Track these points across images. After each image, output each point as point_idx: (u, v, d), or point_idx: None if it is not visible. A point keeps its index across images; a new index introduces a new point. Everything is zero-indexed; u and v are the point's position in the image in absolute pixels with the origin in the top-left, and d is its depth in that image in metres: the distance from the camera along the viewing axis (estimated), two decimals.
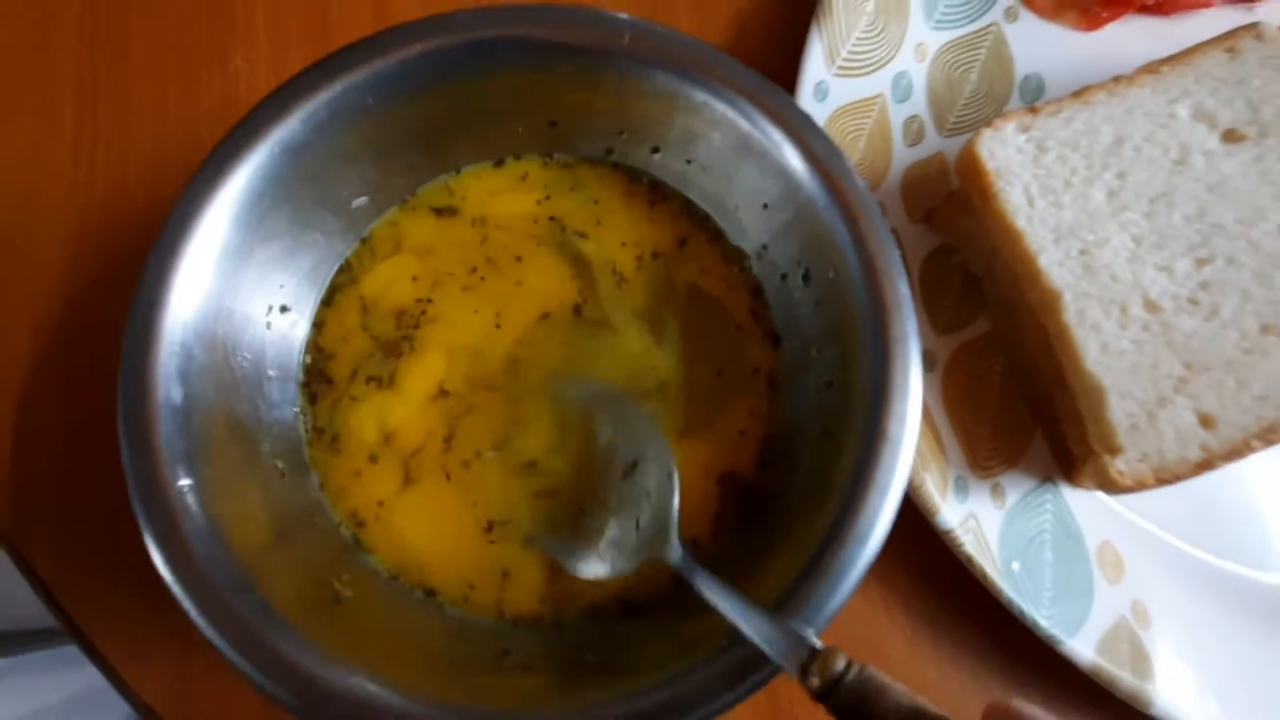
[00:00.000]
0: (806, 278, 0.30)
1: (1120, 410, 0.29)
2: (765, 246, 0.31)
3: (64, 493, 0.34)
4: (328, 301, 0.31)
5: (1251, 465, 0.33)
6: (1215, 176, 0.30)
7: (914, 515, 0.32)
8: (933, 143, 0.37)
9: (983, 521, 0.32)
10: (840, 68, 0.36)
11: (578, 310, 0.31)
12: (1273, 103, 0.30)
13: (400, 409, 0.30)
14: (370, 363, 0.31)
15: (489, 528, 0.30)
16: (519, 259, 0.32)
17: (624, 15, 0.28)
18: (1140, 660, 0.31)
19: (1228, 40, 0.31)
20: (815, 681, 0.22)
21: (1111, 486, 0.29)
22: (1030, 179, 0.31)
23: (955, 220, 0.34)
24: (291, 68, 0.37)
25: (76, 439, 0.34)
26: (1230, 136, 0.31)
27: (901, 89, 0.37)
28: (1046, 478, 0.34)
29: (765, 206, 0.30)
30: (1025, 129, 0.31)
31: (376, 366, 0.31)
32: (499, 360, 0.31)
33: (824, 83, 0.35)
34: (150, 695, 0.33)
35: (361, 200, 0.31)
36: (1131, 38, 0.38)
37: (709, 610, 0.27)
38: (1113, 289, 0.30)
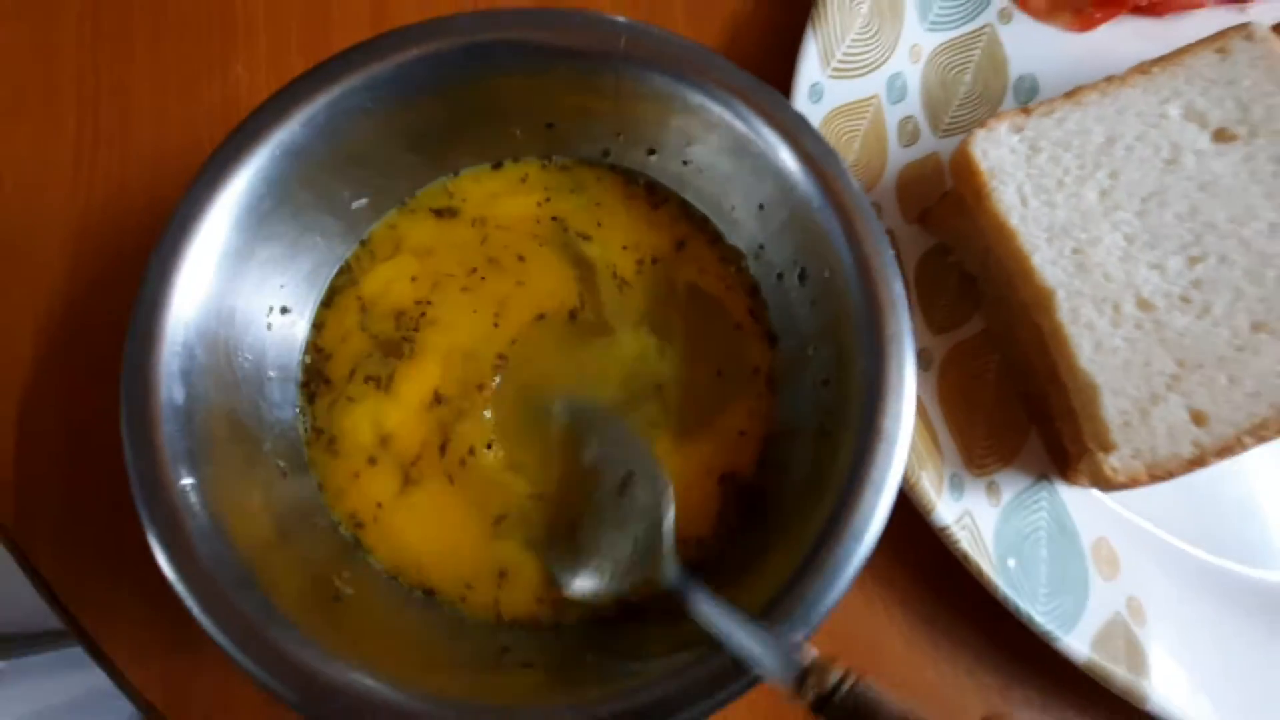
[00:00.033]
0: (802, 277, 0.30)
1: (1113, 407, 0.29)
2: (762, 247, 0.32)
3: (67, 493, 0.34)
4: (327, 303, 0.32)
5: (1246, 463, 0.34)
6: (1206, 175, 0.30)
7: (911, 513, 0.32)
8: (928, 143, 0.37)
9: (978, 519, 0.32)
10: (835, 69, 0.36)
11: (573, 315, 0.31)
12: (1263, 102, 0.31)
13: (396, 414, 0.31)
14: (369, 362, 0.31)
15: (497, 521, 0.30)
16: (522, 258, 0.32)
17: (621, 18, 0.29)
18: (1135, 656, 0.31)
19: (1218, 41, 0.31)
20: (811, 695, 0.22)
21: (1105, 483, 0.29)
22: (1023, 178, 0.31)
23: (950, 220, 0.34)
24: (291, 70, 0.38)
25: (79, 439, 0.35)
26: (1221, 136, 0.31)
27: (896, 90, 0.37)
28: (1042, 475, 0.34)
29: (761, 207, 0.30)
30: (1018, 129, 0.31)
31: (375, 366, 0.31)
32: (492, 358, 0.31)
33: (819, 84, 0.36)
34: (153, 694, 0.33)
35: (361, 202, 0.31)
36: (1124, 38, 0.39)
37: None
38: (1105, 287, 0.30)
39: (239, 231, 0.27)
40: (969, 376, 0.35)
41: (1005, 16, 0.39)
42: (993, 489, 0.33)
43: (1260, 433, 0.28)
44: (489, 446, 0.30)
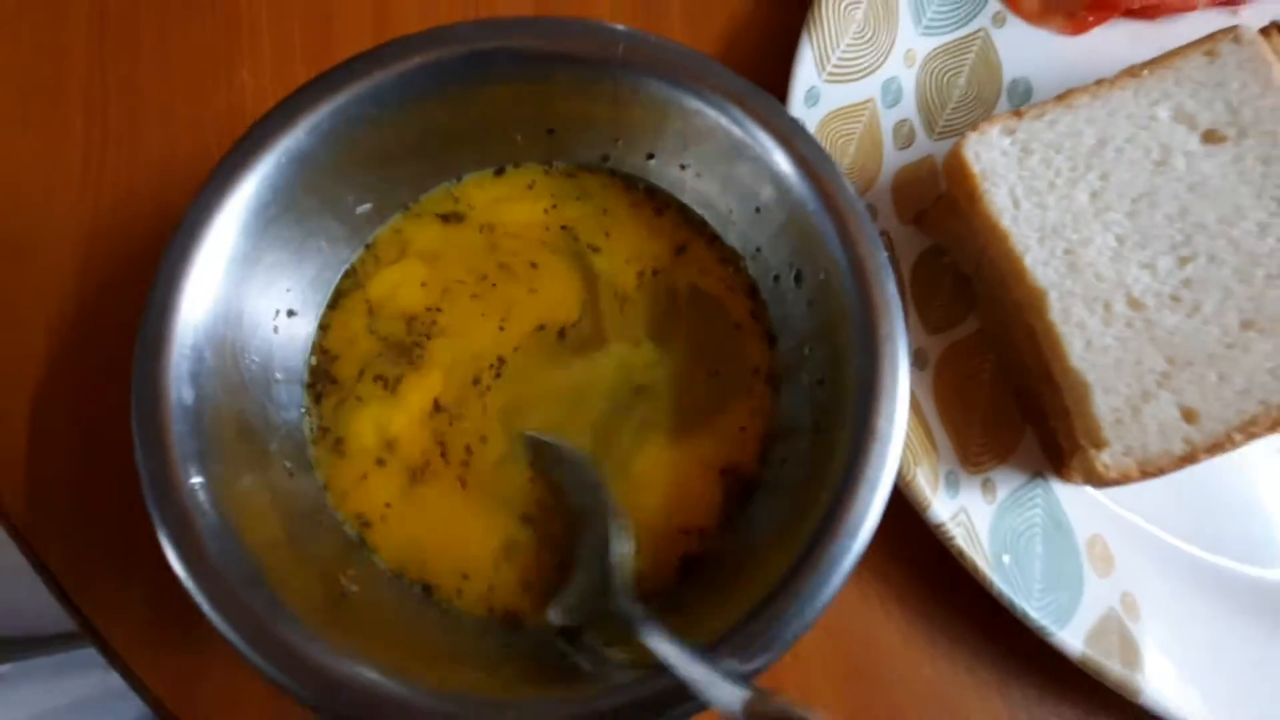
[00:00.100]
0: (799, 279, 0.30)
1: (1105, 405, 0.29)
2: (759, 249, 0.32)
3: (78, 492, 0.35)
4: (333, 305, 0.32)
5: (1241, 460, 0.34)
6: (1196, 176, 0.31)
7: (907, 510, 0.33)
8: (923, 146, 0.38)
9: (973, 516, 0.32)
10: (830, 74, 0.36)
11: (561, 333, 0.32)
12: (1251, 104, 0.31)
13: (400, 419, 0.31)
14: (379, 362, 0.31)
15: (502, 517, 0.30)
16: (534, 265, 0.32)
17: (619, 26, 0.29)
18: (1129, 651, 0.32)
19: (1207, 44, 0.32)
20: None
21: (1097, 480, 0.29)
22: (1015, 180, 0.31)
23: (944, 221, 0.35)
24: (295, 77, 0.39)
25: (90, 439, 0.35)
26: (1210, 137, 0.31)
27: (891, 94, 0.37)
28: (1037, 473, 0.34)
29: (758, 210, 0.31)
30: (1010, 132, 0.32)
31: (385, 366, 0.31)
32: (493, 359, 0.32)
33: (815, 88, 0.36)
34: (162, 691, 0.33)
35: (365, 207, 0.32)
36: (1117, 41, 0.39)
37: (705, 607, 0.28)
38: (1097, 287, 0.30)
39: (246, 237, 0.28)
40: (964, 375, 0.35)
41: (999, 20, 0.39)
42: (988, 486, 0.33)
43: (1250, 429, 0.29)
44: (483, 440, 0.31)
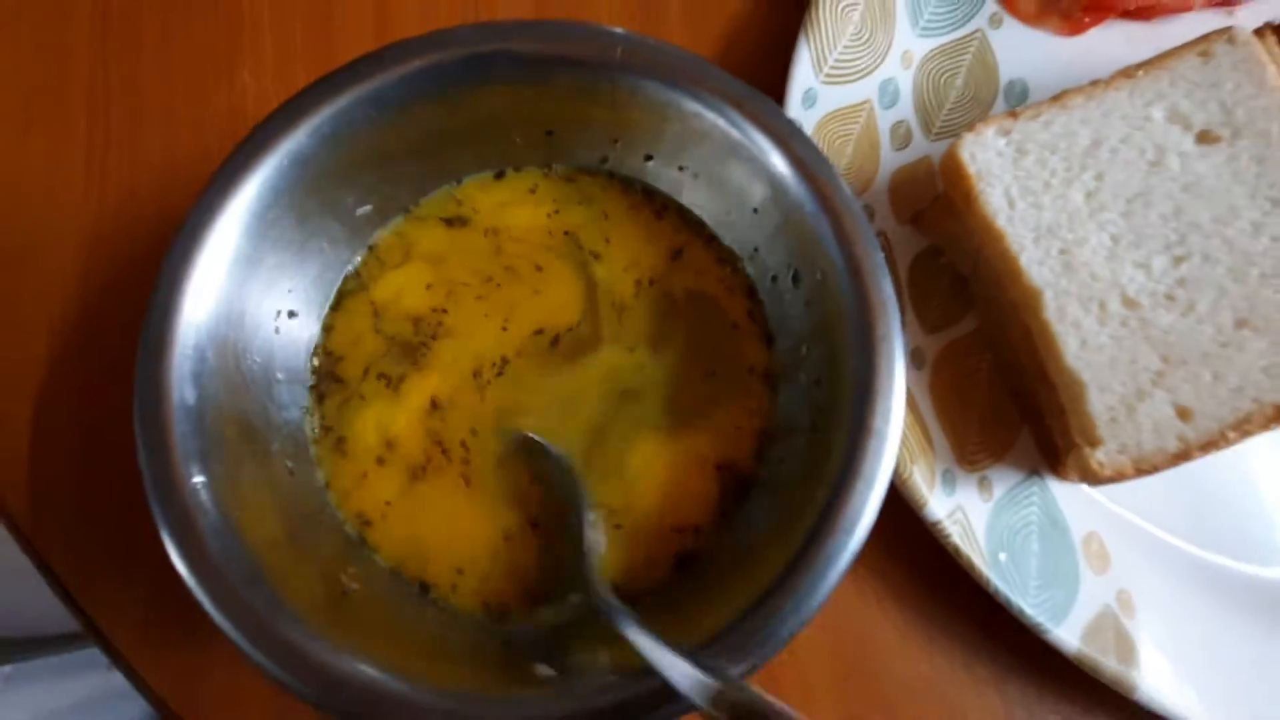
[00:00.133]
0: (796, 279, 0.31)
1: (1100, 403, 0.30)
2: (757, 249, 0.32)
3: (80, 493, 0.35)
4: (336, 307, 0.32)
5: (1238, 459, 0.34)
6: (1190, 177, 0.31)
7: (904, 508, 0.33)
8: (920, 147, 0.38)
9: (970, 513, 0.33)
10: (828, 75, 0.37)
11: (555, 341, 0.32)
12: (1245, 105, 0.31)
13: (401, 418, 0.31)
14: (384, 361, 0.32)
15: (522, 515, 0.31)
16: (539, 269, 0.33)
17: (618, 29, 0.29)
18: (1125, 647, 0.32)
19: (1201, 44, 0.32)
20: (724, 715, 0.22)
21: (1092, 477, 0.30)
22: (1010, 181, 0.32)
23: (941, 222, 0.35)
24: (296, 79, 0.39)
25: (92, 440, 0.35)
26: (1204, 138, 0.32)
27: (888, 95, 0.38)
28: (1033, 471, 0.34)
29: (755, 211, 0.31)
30: (1005, 133, 0.32)
31: (390, 365, 0.32)
32: (496, 359, 0.32)
33: (812, 90, 0.36)
34: (165, 690, 0.34)
35: (366, 208, 0.32)
36: (1113, 42, 0.39)
37: (700, 604, 0.28)
38: (1092, 286, 0.31)
39: (247, 238, 0.28)
40: (962, 374, 0.35)
41: (995, 22, 0.39)
42: (985, 484, 0.34)
43: (1244, 427, 0.29)
44: (475, 434, 0.31)
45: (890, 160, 0.37)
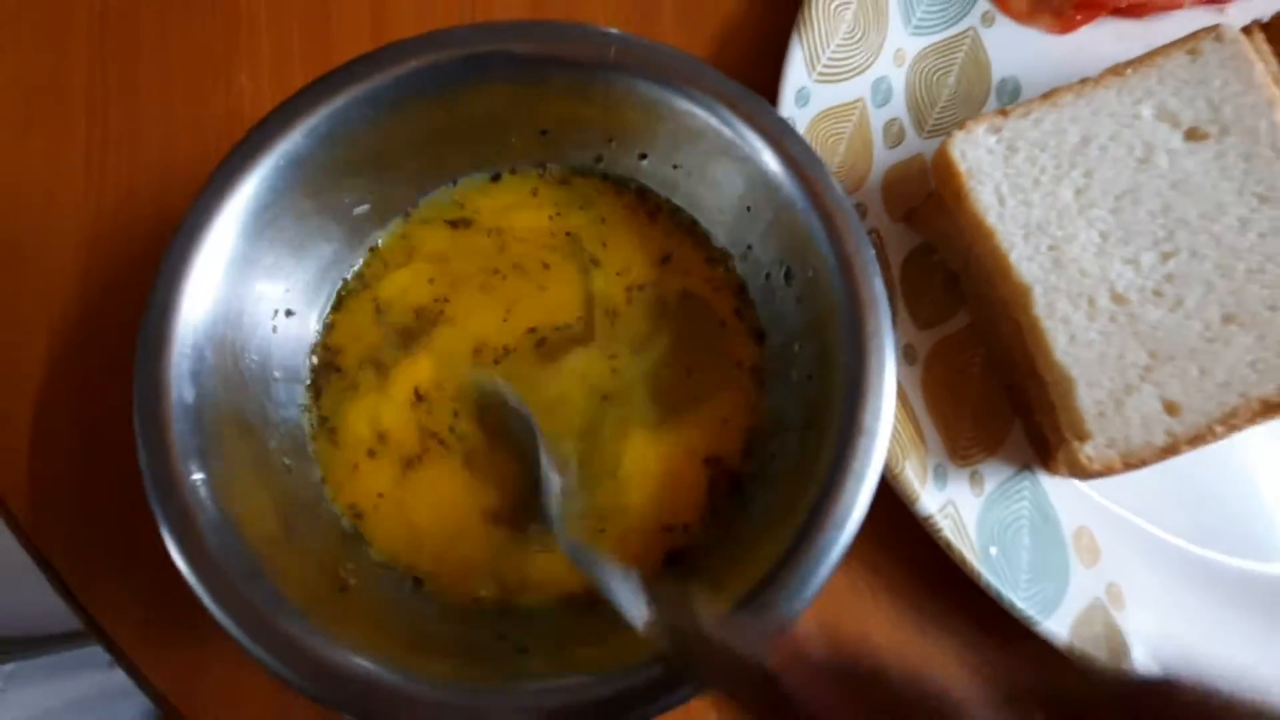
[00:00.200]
0: (788, 276, 0.31)
1: (1088, 398, 0.30)
2: (750, 247, 0.33)
3: (81, 492, 0.35)
4: (337, 307, 0.33)
5: (1227, 453, 0.35)
6: (1178, 174, 0.31)
7: (896, 503, 0.33)
8: (913, 144, 0.38)
9: (961, 508, 0.33)
10: (821, 74, 0.37)
11: (540, 344, 0.32)
12: (1233, 102, 0.32)
13: (390, 410, 0.32)
14: (382, 350, 0.32)
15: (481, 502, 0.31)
16: (547, 266, 0.33)
17: (612, 30, 0.30)
18: (1115, 639, 0.32)
19: (1189, 42, 0.32)
20: (656, 632, 0.23)
21: (1081, 472, 0.30)
22: (1001, 178, 0.32)
23: (933, 219, 0.35)
24: (293, 80, 0.39)
25: (92, 439, 0.36)
26: (1192, 135, 0.32)
27: (881, 93, 0.38)
28: (1025, 466, 0.35)
29: (748, 209, 0.31)
30: (996, 130, 0.32)
31: (386, 353, 0.32)
32: (497, 350, 0.32)
33: (805, 89, 0.37)
34: (166, 686, 0.34)
35: (363, 208, 0.32)
36: (1105, 40, 0.40)
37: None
38: (1081, 282, 0.31)
39: (245, 238, 0.28)
40: (954, 370, 0.36)
41: (988, 20, 0.40)
42: (976, 479, 0.34)
43: (1231, 421, 0.29)
44: (455, 414, 0.32)
45: (883, 158, 0.37)
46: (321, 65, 0.29)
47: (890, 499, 0.33)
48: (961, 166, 0.32)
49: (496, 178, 0.34)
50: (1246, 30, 0.33)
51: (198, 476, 0.26)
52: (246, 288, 0.29)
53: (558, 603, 0.30)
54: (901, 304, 0.36)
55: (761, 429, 0.32)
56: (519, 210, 0.34)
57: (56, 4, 0.40)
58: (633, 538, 0.31)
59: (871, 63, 0.38)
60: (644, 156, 0.33)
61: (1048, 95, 0.33)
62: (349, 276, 0.33)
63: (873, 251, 0.28)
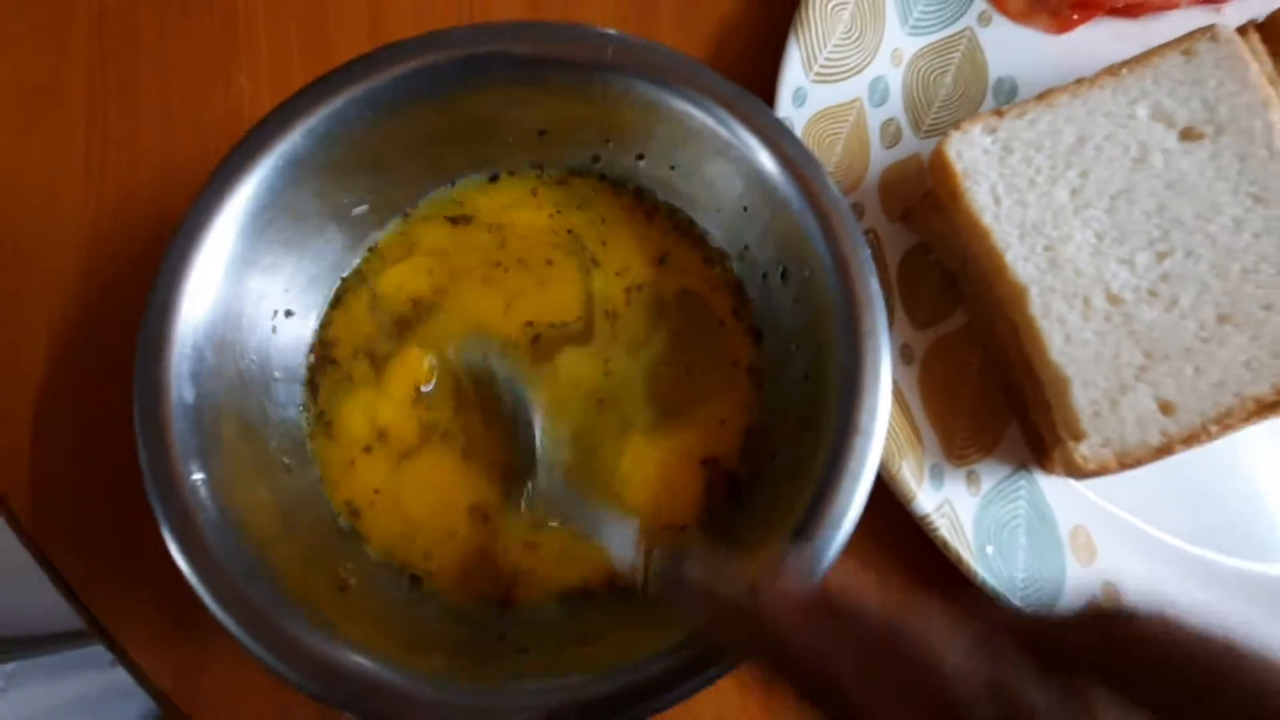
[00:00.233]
0: (785, 276, 0.31)
1: (1084, 398, 0.30)
2: (747, 247, 0.33)
3: (82, 492, 0.35)
4: (335, 305, 0.33)
5: (1225, 453, 0.35)
6: (1173, 174, 0.32)
7: (893, 502, 0.33)
8: (910, 144, 0.38)
9: (957, 507, 0.33)
10: (818, 74, 0.37)
11: (535, 340, 0.32)
12: (1227, 102, 0.32)
13: (386, 402, 0.32)
14: (377, 341, 0.32)
15: (478, 514, 0.31)
16: (550, 262, 0.33)
17: (610, 30, 0.30)
18: None
19: (1184, 43, 0.32)
20: (641, 574, 0.24)
21: (1076, 471, 0.30)
22: (996, 178, 0.32)
23: (930, 219, 0.35)
24: (292, 80, 0.39)
25: (92, 439, 0.36)
26: (1187, 135, 0.32)
27: (878, 93, 0.38)
28: (1021, 465, 0.35)
29: (745, 210, 0.31)
30: (991, 131, 0.32)
31: (381, 344, 0.32)
32: (502, 338, 0.32)
33: (802, 89, 0.37)
34: (167, 685, 0.34)
35: (362, 209, 0.32)
36: (1101, 39, 0.40)
37: None
38: (1076, 282, 0.31)
39: (244, 239, 0.29)
40: (951, 370, 0.36)
41: (984, 19, 0.40)
42: (972, 478, 0.34)
43: (1225, 421, 0.30)
44: (453, 399, 0.32)
45: (880, 158, 0.38)
46: (320, 66, 0.29)
47: (887, 498, 0.33)
48: (957, 167, 0.32)
49: (494, 179, 0.34)
50: (1242, 30, 0.33)
51: (198, 476, 0.26)
52: (246, 288, 0.29)
53: (556, 602, 0.30)
54: (898, 303, 0.36)
55: (759, 429, 0.32)
56: (519, 209, 0.34)
57: (56, 5, 0.40)
58: None
59: (868, 63, 0.38)
60: (641, 157, 0.33)
61: (1043, 95, 0.33)
62: (347, 274, 0.33)
63: (869, 251, 0.28)
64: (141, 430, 0.26)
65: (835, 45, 0.37)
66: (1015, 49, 0.39)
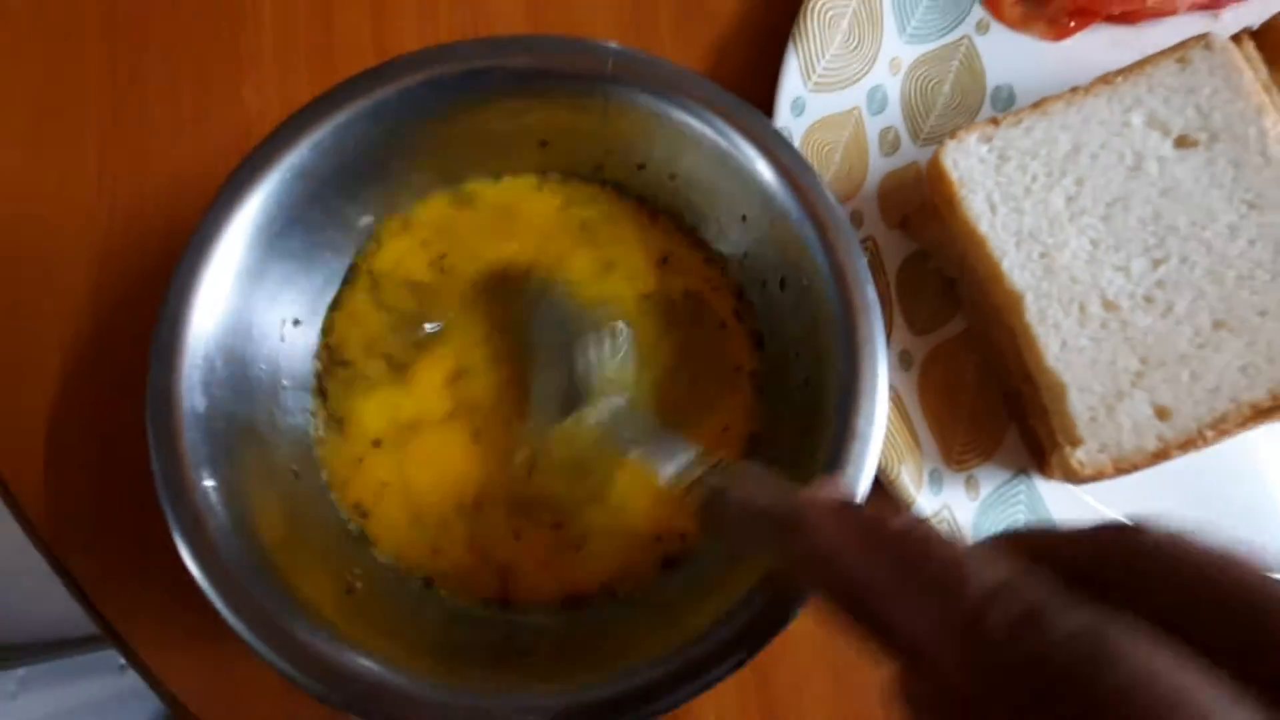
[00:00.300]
0: (784, 285, 0.31)
1: (1080, 404, 0.30)
2: (746, 255, 0.33)
3: (97, 503, 0.36)
4: (335, 306, 0.33)
5: (1224, 458, 0.35)
6: (1168, 181, 0.32)
7: (893, 507, 0.34)
8: (908, 152, 0.39)
9: (956, 512, 0.34)
10: (817, 83, 0.37)
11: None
12: (1222, 109, 0.32)
13: (410, 405, 0.32)
14: (387, 341, 0.32)
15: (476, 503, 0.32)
16: (561, 259, 0.33)
17: (611, 44, 0.30)
18: None
19: (1179, 51, 0.33)
20: (689, 490, 0.25)
21: (1073, 476, 0.30)
22: (992, 186, 0.32)
23: (927, 226, 0.36)
24: (298, 95, 0.40)
25: (106, 451, 0.36)
26: (1182, 143, 0.32)
27: (877, 102, 0.38)
28: (1020, 470, 0.35)
29: (744, 219, 0.32)
30: (987, 139, 0.33)
31: (394, 346, 0.32)
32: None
33: (801, 98, 0.37)
34: (179, 689, 0.35)
35: (367, 219, 0.33)
36: (1098, 47, 0.40)
37: (688, 603, 0.29)
38: (1072, 289, 0.31)
39: (253, 251, 0.29)
40: (950, 375, 0.36)
41: (982, 27, 0.40)
42: (971, 483, 0.34)
43: (1221, 426, 0.30)
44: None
45: (878, 166, 0.38)
46: (326, 80, 0.29)
47: (886, 503, 0.33)
48: (953, 175, 0.32)
49: (498, 178, 0.34)
50: (1236, 38, 0.33)
51: (209, 483, 0.27)
52: (255, 299, 0.30)
53: (560, 605, 0.31)
54: (897, 310, 0.36)
55: (760, 436, 0.32)
56: (526, 200, 0.34)
57: (66, 25, 0.41)
58: (629, 542, 0.31)
59: (867, 71, 0.38)
60: (642, 166, 0.33)
61: (1038, 104, 0.33)
62: (345, 271, 0.33)
63: (865, 260, 0.29)
64: (154, 438, 0.27)
65: (834, 54, 0.38)
66: (1013, 56, 0.40)
